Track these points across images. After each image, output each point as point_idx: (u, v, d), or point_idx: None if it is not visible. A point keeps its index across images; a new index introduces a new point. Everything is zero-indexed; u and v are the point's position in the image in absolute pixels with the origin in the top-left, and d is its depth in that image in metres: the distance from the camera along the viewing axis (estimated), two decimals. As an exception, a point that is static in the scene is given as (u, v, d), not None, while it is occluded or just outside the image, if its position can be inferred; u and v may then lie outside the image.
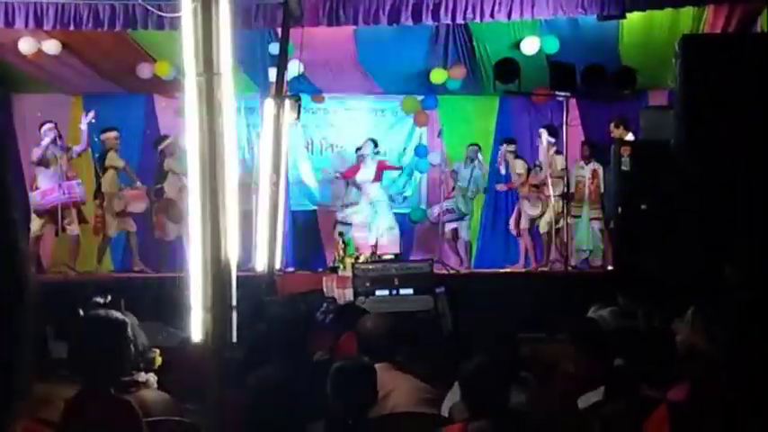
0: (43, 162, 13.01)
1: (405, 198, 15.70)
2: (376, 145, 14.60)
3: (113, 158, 13.74)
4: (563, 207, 13.12)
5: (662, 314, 7.06)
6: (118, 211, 13.49)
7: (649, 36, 12.82)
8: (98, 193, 13.71)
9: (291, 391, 5.25)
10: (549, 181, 13.38)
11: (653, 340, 5.40)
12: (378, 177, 14.36)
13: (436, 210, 14.48)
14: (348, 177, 14.69)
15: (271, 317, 6.39)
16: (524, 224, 13.97)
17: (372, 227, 14.08)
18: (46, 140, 12.90)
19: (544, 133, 13.65)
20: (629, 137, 12.63)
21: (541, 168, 13.76)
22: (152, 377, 5.24)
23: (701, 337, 5.56)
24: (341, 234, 13.86)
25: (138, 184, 13.77)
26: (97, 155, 13.90)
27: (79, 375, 4.54)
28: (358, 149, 14.82)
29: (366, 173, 14.32)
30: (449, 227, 14.56)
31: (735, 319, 5.45)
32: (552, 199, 13.35)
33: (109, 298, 7.92)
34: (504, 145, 14.33)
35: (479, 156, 14.57)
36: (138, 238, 13.80)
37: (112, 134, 13.85)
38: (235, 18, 10.49)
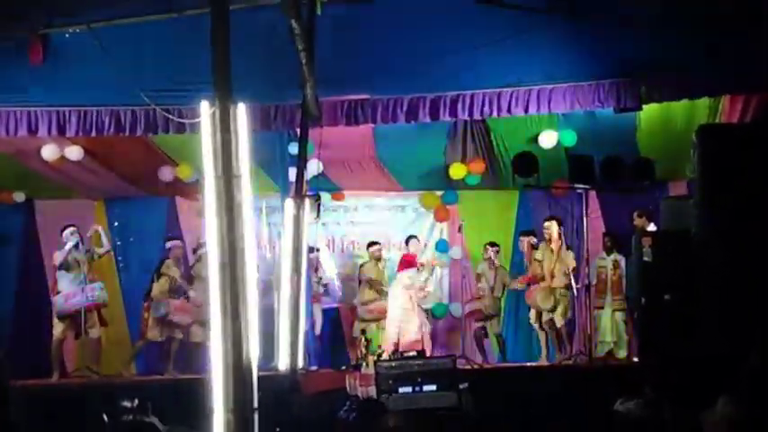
0: (65, 266, 13.09)
1: (426, 294, 15.61)
2: (418, 240, 14.75)
3: (170, 267, 13.82)
4: (586, 299, 13.05)
5: (688, 405, 6.98)
6: (160, 316, 13.49)
7: (667, 127, 12.84)
8: (147, 296, 13.75)
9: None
10: (569, 272, 13.34)
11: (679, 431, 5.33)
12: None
13: (466, 309, 14.40)
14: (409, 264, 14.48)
15: (295, 416, 6.35)
16: (546, 317, 13.85)
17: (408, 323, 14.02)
18: (69, 245, 13.00)
19: (554, 224, 13.63)
20: (651, 227, 12.62)
21: (552, 261, 13.69)
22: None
23: (727, 428, 5.48)
24: (363, 331, 13.82)
25: (192, 293, 13.74)
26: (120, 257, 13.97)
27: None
28: (372, 244, 14.88)
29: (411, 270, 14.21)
30: (475, 325, 14.50)
31: (759, 408, 5.39)
32: (574, 290, 13.27)
33: (136, 402, 7.90)
34: (524, 238, 14.30)
35: (492, 255, 14.51)
36: (179, 346, 13.74)
37: (177, 243, 14.01)
38: (254, 120, 10.74)
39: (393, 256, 15.26)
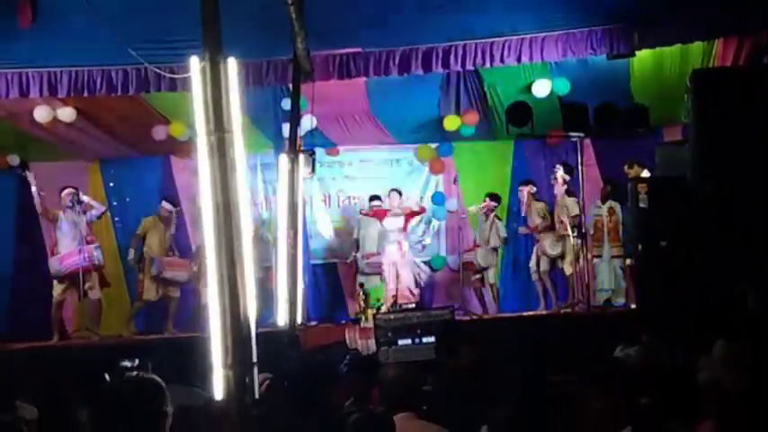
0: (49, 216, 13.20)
1: (424, 246, 15.66)
2: (400, 194, 14.67)
3: (159, 224, 13.86)
4: (582, 247, 13.08)
5: (686, 350, 7.01)
6: (155, 274, 13.52)
7: (660, 73, 12.82)
8: (140, 257, 13.78)
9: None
10: (567, 221, 13.35)
11: (677, 377, 5.35)
12: (405, 228, 14.41)
13: (458, 261, 14.43)
14: (377, 216, 14.66)
15: (292, 371, 6.36)
16: (544, 266, 13.90)
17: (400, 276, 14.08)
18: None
19: (560, 170, 13.65)
20: (645, 173, 12.62)
21: (559, 207, 13.74)
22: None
23: (725, 371, 5.51)
24: (361, 285, 13.86)
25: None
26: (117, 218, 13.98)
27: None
28: (374, 198, 14.84)
29: (394, 222, 14.33)
30: (473, 277, 14.55)
31: (758, 350, 5.41)
32: (572, 239, 13.30)
33: (136, 361, 7.93)
34: (524, 187, 14.29)
35: (495, 209, 14.55)
36: (177, 304, 13.80)
37: (169, 206, 14.04)
38: (245, 76, 10.69)
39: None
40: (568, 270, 13.66)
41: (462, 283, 14.50)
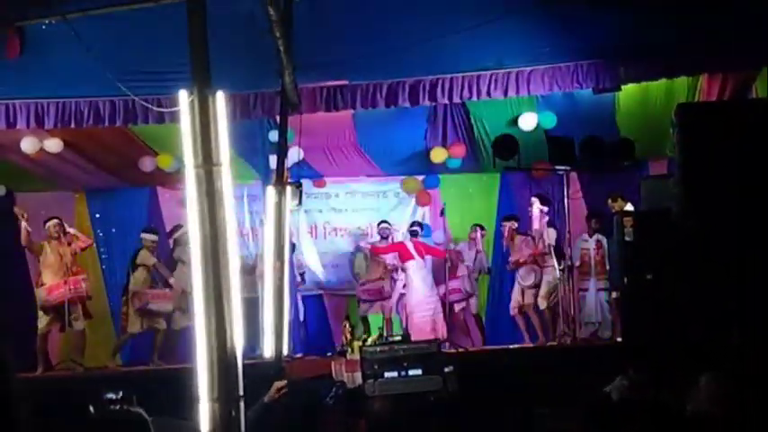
0: (33, 249, 13.16)
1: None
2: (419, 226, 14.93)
3: (146, 257, 13.78)
4: (568, 280, 13.11)
5: (672, 384, 7.02)
6: (139, 308, 13.45)
7: (645, 107, 12.91)
8: (125, 290, 13.72)
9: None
10: (547, 250, 13.44)
11: (663, 411, 5.37)
12: (422, 256, 14.62)
13: (442, 289, 14.43)
14: (377, 254, 14.80)
15: (280, 403, 6.35)
16: (529, 300, 13.91)
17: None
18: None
19: (536, 202, 13.72)
20: (629, 207, 12.67)
21: (534, 239, 13.79)
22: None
23: (712, 404, 5.52)
24: (347, 317, 13.87)
25: (172, 280, 13.70)
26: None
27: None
28: (382, 222, 15.11)
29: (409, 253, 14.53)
30: (457, 307, 14.56)
31: (744, 384, 5.43)
32: (557, 272, 13.33)
33: (120, 394, 7.87)
34: (507, 223, 14.33)
35: (479, 237, 14.58)
36: (164, 336, 13.71)
37: (151, 237, 13.97)
38: (233, 108, 10.73)
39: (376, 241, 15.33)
40: (542, 304, 13.68)
41: (448, 314, 14.47)
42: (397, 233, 15.23)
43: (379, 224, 15.15)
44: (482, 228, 14.74)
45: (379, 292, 14.53)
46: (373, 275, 14.74)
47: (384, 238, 14.94)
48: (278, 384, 5.64)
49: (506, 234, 14.23)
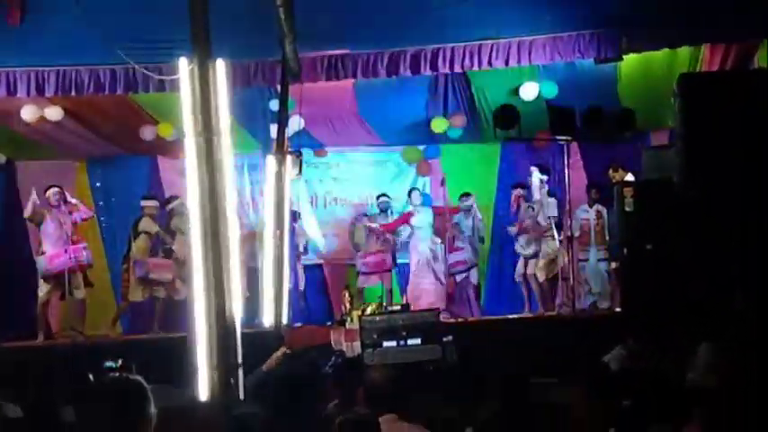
0: (35, 220, 13.10)
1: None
2: (418, 191, 14.95)
3: (148, 224, 13.77)
4: (567, 250, 13.11)
5: (672, 353, 7.04)
6: (140, 276, 13.48)
7: (647, 77, 12.85)
8: (126, 258, 13.73)
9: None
10: (546, 221, 13.43)
11: (663, 380, 5.37)
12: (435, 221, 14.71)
13: (448, 259, 14.41)
14: (389, 230, 14.82)
15: (278, 372, 6.36)
16: (530, 270, 13.92)
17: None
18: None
19: (535, 171, 13.70)
20: (629, 177, 12.65)
21: (534, 209, 13.78)
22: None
23: (711, 374, 5.53)
24: (347, 287, 13.86)
25: (175, 247, 13.71)
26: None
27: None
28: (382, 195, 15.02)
29: (421, 219, 14.58)
30: (459, 278, 14.55)
31: (743, 353, 5.44)
32: (557, 242, 13.34)
33: (120, 362, 7.89)
34: (514, 190, 14.32)
35: (474, 205, 14.56)
36: (164, 305, 13.71)
37: (153, 203, 13.98)
38: (233, 77, 10.67)
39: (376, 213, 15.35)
40: (541, 275, 13.68)
41: (448, 284, 14.46)
42: (397, 204, 15.21)
43: (378, 197, 15.09)
44: (470, 195, 14.64)
45: (381, 264, 14.49)
46: (374, 248, 14.71)
47: (383, 211, 14.89)
48: (277, 353, 5.65)
49: (513, 201, 14.21)
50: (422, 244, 14.49)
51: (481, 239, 14.73)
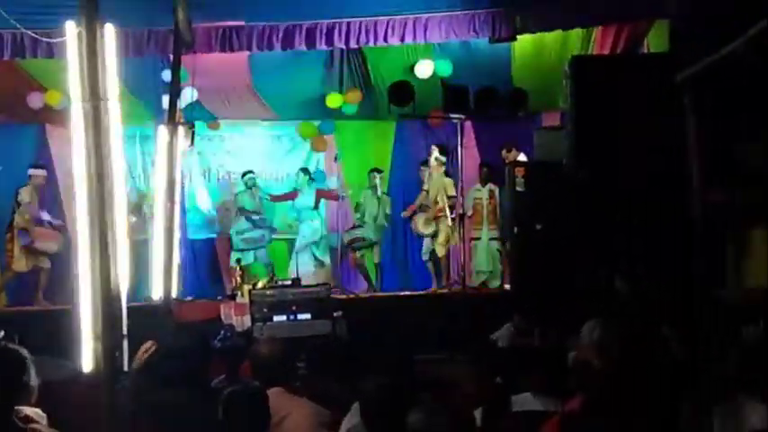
0: None
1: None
2: (308, 173, 14.73)
3: (26, 194, 13.36)
4: (459, 229, 13.21)
5: (556, 331, 7.14)
6: (24, 245, 13.16)
7: (540, 58, 13.02)
8: (9, 227, 13.37)
9: (187, 418, 5.17)
10: (444, 202, 13.50)
11: (546, 356, 5.46)
12: (316, 205, 14.58)
13: (346, 238, 14.38)
14: (277, 201, 14.84)
15: (166, 345, 6.28)
16: (428, 246, 13.99)
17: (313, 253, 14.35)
18: None
19: (435, 151, 13.75)
20: (522, 157, 12.79)
21: (428, 191, 13.86)
22: (39, 411, 5.09)
23: (594, 351, 5.62)
24: (238, 261, 13.76)
25: (57, 222, 13.41)
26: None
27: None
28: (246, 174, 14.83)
29: (304, 200, 14.49)
30: (355, 254, 14.54)
31: (625, 330, 5.54)
32: (448, 220, 13.43)
33: (1, 333, 7.71)
34: (425, 167, 14.32)
35: (378, 182, 14.55)
36: (48, 276, 13.41)
37: (41, 172, 13.65)
38: (125, 45, 10.50)
39: (270, 185, 15.28)
40: (441, 251, 13.77)
41: (341, 261, 14.46)
42: (284, 181, 15.22)
43: (243, 174, 14.89)
44: (379, 171, 14.69)
45: (256, 239, 14.43)
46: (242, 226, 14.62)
47: (250, 187, 14.75)
48: (144, 346, 5.56)
49: (422, 178, 14.24)
50: (303, 225, 14.46)
51: (386, 217, 14.71)
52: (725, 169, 6.05)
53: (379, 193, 14.47)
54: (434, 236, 13.82)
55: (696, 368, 4.92)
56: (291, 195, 14.74)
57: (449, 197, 13.49)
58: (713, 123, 5.60)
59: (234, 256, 14.24)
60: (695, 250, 5.06)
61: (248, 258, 14.15)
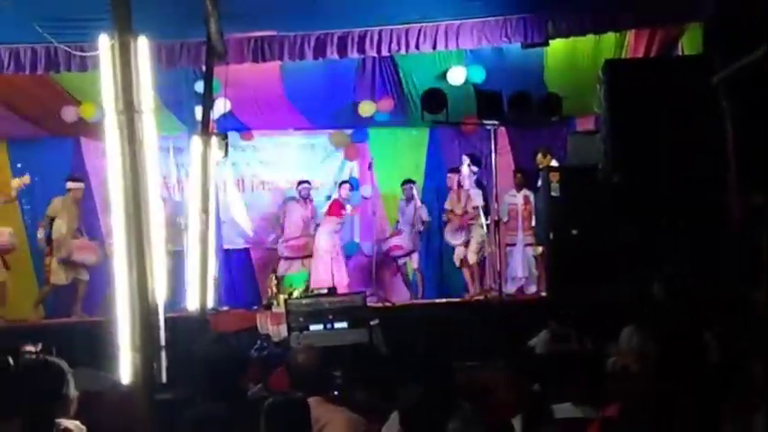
0: None
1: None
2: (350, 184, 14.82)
3: (62, 207, 13.45)
4: (494, 236, 13.17)
5: (594, 337, 7.09)
6: (62, 259, 13.23)
7: (573, 63, 12.96)
8: (48, 240, 13.44)
9: (226, 429, 5.17)
10: (473, 211, 13.51)
11: (584, 363, 5.42)
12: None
13: (385, 246, 14.38)
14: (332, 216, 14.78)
15: (202, 356, 6.29)
16: (460, 254, 13.98)
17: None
18: None
19: (466, 161, 13.75)
20: (554, 163, 12.75)
21: (459, 198, 13.86)
22: (79, 424, 5.11)
23: (632, 357, 5.59)
24: (274, 270, 13.78)
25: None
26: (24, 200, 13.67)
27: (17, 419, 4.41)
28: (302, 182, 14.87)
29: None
30: (400, 262, 14.56)
31: (663, 336, 5.49)
32: (483, 229, 13.40)
33: (39, 346, 7.73)
34: (453, 174, 14.36)
35: (415, 192, 14.57)
36: (86, 288, 13.48)
37: (78, 185, 13.71)
38: (158, 57, 10.53)
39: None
40: (472, 258, 13.75)
41: (376, 269, 14.44)
42: (319, 190, 15.20)
43: (298, 184, 14.98)
44: (412, 182, 14.71)
45: (303, 248, 14.44)
46: (296, 233, 14.64)
47: (304, 198, 14.80)
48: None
49: (450, 185, 14.26)
50: (336, 236, 14.47)
51: (423, 224, 14.71)
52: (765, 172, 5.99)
53: (418, 203, 14.48)
54: (466, 244, 13.82)
55: (737, 373, 4.87)
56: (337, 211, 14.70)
57: (474, 207, 13.50)
58: (751, 126, 5.55)
59: (281, 265, 14.29)
60: (737, 254, 5.02)
61: (294, 267, 14.20)
